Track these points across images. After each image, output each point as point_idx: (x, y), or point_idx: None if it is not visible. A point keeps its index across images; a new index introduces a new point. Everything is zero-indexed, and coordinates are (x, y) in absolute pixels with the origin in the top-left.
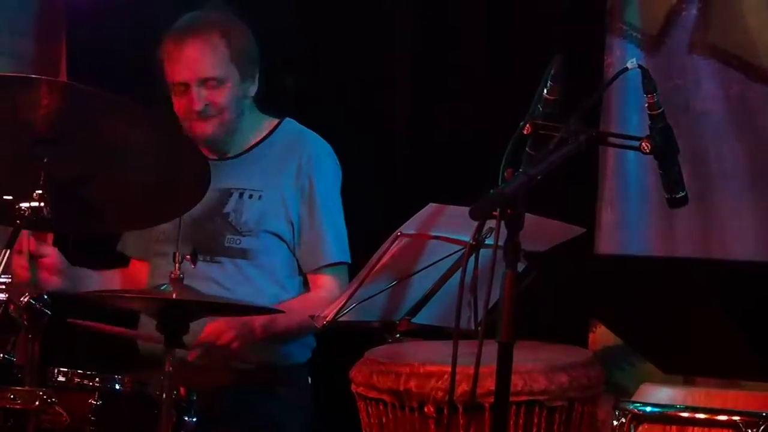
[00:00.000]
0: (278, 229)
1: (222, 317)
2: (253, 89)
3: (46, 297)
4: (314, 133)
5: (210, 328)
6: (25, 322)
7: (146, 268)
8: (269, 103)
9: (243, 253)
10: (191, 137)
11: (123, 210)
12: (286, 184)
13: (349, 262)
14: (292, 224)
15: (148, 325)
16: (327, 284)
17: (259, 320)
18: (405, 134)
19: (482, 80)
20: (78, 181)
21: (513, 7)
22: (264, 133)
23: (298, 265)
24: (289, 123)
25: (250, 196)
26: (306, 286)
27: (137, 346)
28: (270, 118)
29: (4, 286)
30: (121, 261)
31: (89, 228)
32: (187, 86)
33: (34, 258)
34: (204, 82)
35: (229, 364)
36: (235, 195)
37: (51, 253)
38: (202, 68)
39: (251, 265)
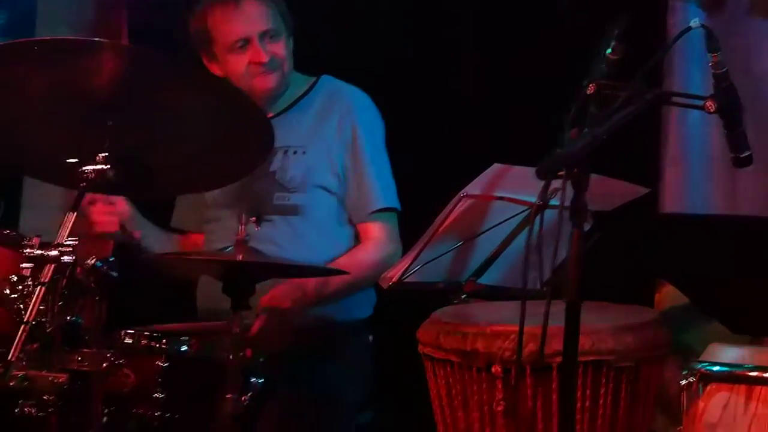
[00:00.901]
0: (326, 182)
1: (277, 285)
2: (291, 45)
3: (112, 259)
4: (353, 86)
5: (265, 301)
6: (92, 285)
7: (202, 239)
8: (306, 61)
9: (293, 210)
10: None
11: (186, 173)
12: (329, 137)
13: (399, 209)
14: (338, 176)
15: (206, 289)
16: (376, 232)
17: (311, 282)
18: (467, 96)
19: (542, 36)
20: (141, 144)
21: None
22: (302, 91)
23: (349, 217)
24: (327, 79)
25: (294, 153)
26: (356, 238)
27: (196, 306)
28: (307, 77)
29: (70, 249)
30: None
31: (152, 192)
32: (247, 41)
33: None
34: (265, 34)
35: (292, 324)
36: (280, 153)
37: (120, 200)
38: (263, 21)
39: (302, 220)
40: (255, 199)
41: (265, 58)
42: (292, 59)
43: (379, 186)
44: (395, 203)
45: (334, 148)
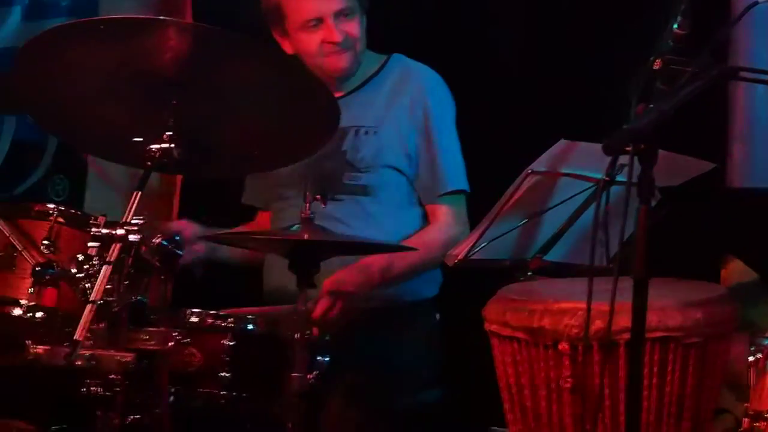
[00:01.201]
0: (396, 162)
1: (340, 271)
2: (364, 23)
3: (178, 238)
4: (424, 65)
5: (329, 284)
6: (158, 264)
7: (267, 220)
8: (377, 39)
9: (363, 190)
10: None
11: (251, 152)
12: (400, 117)
13: (468, 190)
14: (409, 157)
15: (272, 269)
16: (445, 213)
17: (376, 265)
18: (532, 71)
19: (606, 14)
20: (207, 123)
21: None
22: (374, 70)
23: (418, 198)
24: (398, 57)
25: (366, 132)
26: (425, 218)
27: (262, 286)
28: (378, 55)
29: (136, 228)
30: (248, 216)
31: (217, 171)
32: (321, 20)
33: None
34: (339, 13)
35: (355, 307)
36: (351, 132)
37: (182, 227)
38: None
39: (372, 200)
40: (325, 179)
41: (339, 38)
42: (365, 38)
43: (449, 168)
44: (465, 185)
45: (405, 128)
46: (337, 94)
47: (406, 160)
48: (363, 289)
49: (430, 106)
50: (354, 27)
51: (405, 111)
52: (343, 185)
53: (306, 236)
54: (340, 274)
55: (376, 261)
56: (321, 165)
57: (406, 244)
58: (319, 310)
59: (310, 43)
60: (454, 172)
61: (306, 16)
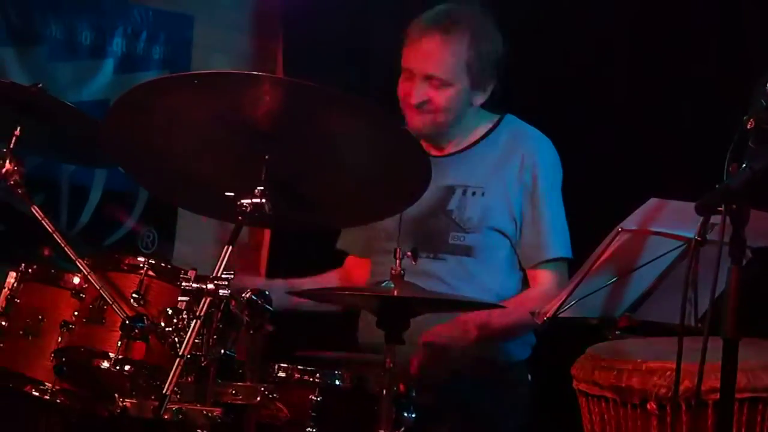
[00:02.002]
0: (502, 225)
1: (438, 325)
2: (480, 100)
3: (267, 293)
4: (535, 129)
5: (426, 336)
6: (247, 318)
7: (366, 265)
8: (490, 98)
9: (467, 250)
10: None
11: (341, 206)
12: (508, 180)
13: (571, 257)
14: (515, 220)
15: (367, 321)
16: (546, 280)
17: (474, 321)
18: (624, 129)
19: (705, 73)
20: (298, 177)
21: None
22: (485, 130)
23: (519, 261)
24: (510, 119)
25: (473, 193)
26: (526, 282)
27: (357, 338)
28: (491, 115)
29: (226, 283)
30: (335, 261)
31: (308, 225)
32: (412, 74)
33: None
34: (429, 78)
35: (451, 362)
36: (459, 192)
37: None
38: (432, 65)
39: (475, 261)
40: (431, 237)
41: (415, 100)
42: (466, 111)
43: (554, 234)
44: (568, 253)
45: (512, 191)
46: (447, 151)
47: (511, 223)
48: (459, 343)
49: (539, 171)
50: (443, 97)
51: (514, 174)
52: (447, 245)
53: (395, 293)
54: (436, 328)
55: (474, 317)
56: (426, 222)
57: (505, 304)
58: (415, 365)
59: (400, 89)
60: (559, 239)
61: (405, 63)
